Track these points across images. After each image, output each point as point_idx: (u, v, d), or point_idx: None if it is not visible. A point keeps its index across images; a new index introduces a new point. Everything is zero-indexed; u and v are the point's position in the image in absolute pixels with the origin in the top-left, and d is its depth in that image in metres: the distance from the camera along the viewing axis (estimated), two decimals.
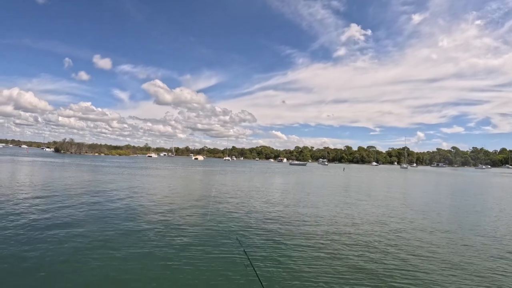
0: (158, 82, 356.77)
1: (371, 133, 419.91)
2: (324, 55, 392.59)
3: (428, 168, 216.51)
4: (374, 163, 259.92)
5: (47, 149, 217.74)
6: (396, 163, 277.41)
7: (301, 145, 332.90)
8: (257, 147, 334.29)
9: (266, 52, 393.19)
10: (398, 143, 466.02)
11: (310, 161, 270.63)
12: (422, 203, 33.69)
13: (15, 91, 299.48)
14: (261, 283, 8.96)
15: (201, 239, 16.13)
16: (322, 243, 16.24)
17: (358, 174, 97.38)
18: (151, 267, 12.09)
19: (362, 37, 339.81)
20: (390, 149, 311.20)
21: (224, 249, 14.64)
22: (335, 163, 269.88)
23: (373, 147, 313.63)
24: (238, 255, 13.80)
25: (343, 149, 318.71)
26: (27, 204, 23.19)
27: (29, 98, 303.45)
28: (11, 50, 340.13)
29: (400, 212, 26.57)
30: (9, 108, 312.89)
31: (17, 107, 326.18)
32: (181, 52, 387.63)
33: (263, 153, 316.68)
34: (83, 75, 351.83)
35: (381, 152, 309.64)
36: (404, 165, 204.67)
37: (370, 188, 49.96)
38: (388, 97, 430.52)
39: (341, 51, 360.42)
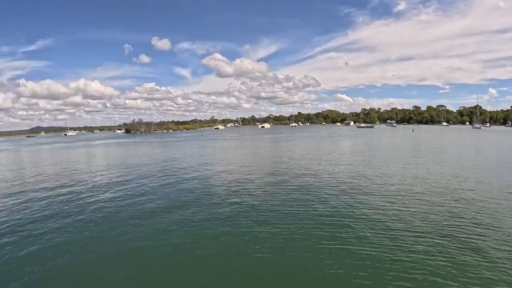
0: (218, 55, 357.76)
1: (440, 91, 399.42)
2: (385, 10, 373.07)
3: (502, 128, 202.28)
4: (445, 123, 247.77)
5: (118, 131, 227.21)
6: (467, 122, 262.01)
7: (367, 107, 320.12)
8: (323, 111, 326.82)
9: (323, 13, 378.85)
10: (469, 101, 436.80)
11: (377, 123, 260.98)
12: (496, 165, 30.96)
13: (81, 82, 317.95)
14: None
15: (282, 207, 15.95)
16: (391, 206, 15.56)
17: (428, 135, 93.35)
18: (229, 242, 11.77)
19: None
20: (461, 108, 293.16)
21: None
22: (403, 124, 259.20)
23: (443, 106, 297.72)
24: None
25: (411, 109, 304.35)
26: (106, 182, 24.13)
27: (95, 86, 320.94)
28: (71, 45, 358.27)
29: (472, 175, 24.57)
30: (78, 98, 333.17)
31: (86, 96, 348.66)
32: (237, 23, 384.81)
33: (329, 117, 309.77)
34: (144, 58, 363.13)
35: (452, 111, 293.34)
36: (477, 125, 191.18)
37: (442, 149, 47.33)
38: (456, 51, 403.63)
39: (402, 5, 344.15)
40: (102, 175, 27.05)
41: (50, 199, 18.23)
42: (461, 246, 10.47)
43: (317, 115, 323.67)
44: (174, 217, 14.04)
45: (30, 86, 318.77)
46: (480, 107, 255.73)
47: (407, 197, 16.78)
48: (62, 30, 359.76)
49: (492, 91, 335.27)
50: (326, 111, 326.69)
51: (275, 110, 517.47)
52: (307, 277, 8.84)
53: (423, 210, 14.44)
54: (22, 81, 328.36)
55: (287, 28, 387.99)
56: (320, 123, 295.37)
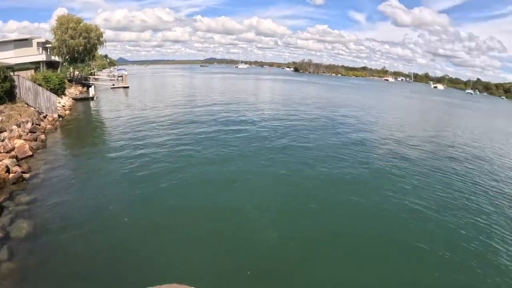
0: (395, 2, 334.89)
1: None
2: None
3: None
4: None
5: (287, 69, 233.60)
6: None
7: None
8: (504, 83, 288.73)
9: None
10: None
11: None
12: None
13: (254, 20, 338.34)
14: None
15: None
16: None
17: None
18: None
19: None
20: None
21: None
22: None
23: None
24: None
25: None
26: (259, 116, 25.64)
27: (268, 24, 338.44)
28: None
29: None
30: (250, 35, 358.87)
31: (258, 33, 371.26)
32: None
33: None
34: None
35: None
36: None
37: None
38: None
39: None
40: (261, 107, 28.70)
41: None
42: None
43: (497, 86, 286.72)
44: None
45: (206, 21, 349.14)
46: None
47: None
48: None
49: None
50: (508, 83, 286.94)
51: (451, 71, 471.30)
52: None
53: None
54: (199, 17, 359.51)
55: None
56: (499, 96, 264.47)
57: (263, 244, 8.82)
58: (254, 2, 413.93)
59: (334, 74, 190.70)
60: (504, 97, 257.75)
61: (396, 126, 27.93)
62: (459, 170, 16.58)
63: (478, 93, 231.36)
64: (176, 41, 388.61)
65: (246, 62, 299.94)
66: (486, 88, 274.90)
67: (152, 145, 17.18)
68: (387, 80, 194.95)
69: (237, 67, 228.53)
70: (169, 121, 23.99)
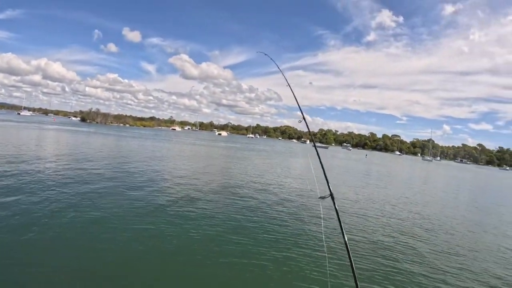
0: (185, 56, 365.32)
1: (397, 121, 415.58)
2: (357, 38, 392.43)
3: (452, 163, 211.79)
4: (397, 153, 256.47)
5: (74, 118, 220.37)
6: (419, 154, 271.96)
7: (325, 128, 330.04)
8: (281, 126, 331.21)
9: (298, 31, 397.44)
10: (423, 134, 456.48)
11: (333, 144, 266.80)
12: (438, 196, 32.76)
13: (43, 61, 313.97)
14: None
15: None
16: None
17: (380, 162, 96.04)
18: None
19: (393, 24, 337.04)
20: (415, 140, 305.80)
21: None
22: (358, 148, 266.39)
23: (398, 136, 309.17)
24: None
25: (367, 135, 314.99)
26: (49, 171, 23.68)
27: (57, 68, 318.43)
28: (41, 20, 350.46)
29: (416, 200, 25.92)
30: (37, 78, 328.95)
31: (45, 76, 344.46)
32: (212, 27, 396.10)
33: (287, 133, 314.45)
34: (112, 47, 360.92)
35: (405, 142, 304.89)
36: (428, 158, 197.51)
37: (390, 176, 49.59)
38: (418, 86, 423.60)
39: (374, 36, 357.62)
40: (43, 163, 26.43)
41: None
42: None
43: (275, 129, 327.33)
44: (107, 218, 13.58)
45: None
46: (433, 141, 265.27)
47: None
48: (35, 4, 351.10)
49: (446, 127, 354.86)
50: (284, 126, 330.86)
51: (234, 119, 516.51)
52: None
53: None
54: None
55: (260, 39, 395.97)
56: (276, 137, 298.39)
57: None
58: (47, 41, 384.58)
59: (122, 124, 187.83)
60: (280, 138, 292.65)
61: (186, 173, 27.88)
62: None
63: (258, 136, 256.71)
64: None
65: (30, 109, 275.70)
66: (265, 131, 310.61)
67: None
68: (174, 129, 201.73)
69: (19, 114, 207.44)
70: None
